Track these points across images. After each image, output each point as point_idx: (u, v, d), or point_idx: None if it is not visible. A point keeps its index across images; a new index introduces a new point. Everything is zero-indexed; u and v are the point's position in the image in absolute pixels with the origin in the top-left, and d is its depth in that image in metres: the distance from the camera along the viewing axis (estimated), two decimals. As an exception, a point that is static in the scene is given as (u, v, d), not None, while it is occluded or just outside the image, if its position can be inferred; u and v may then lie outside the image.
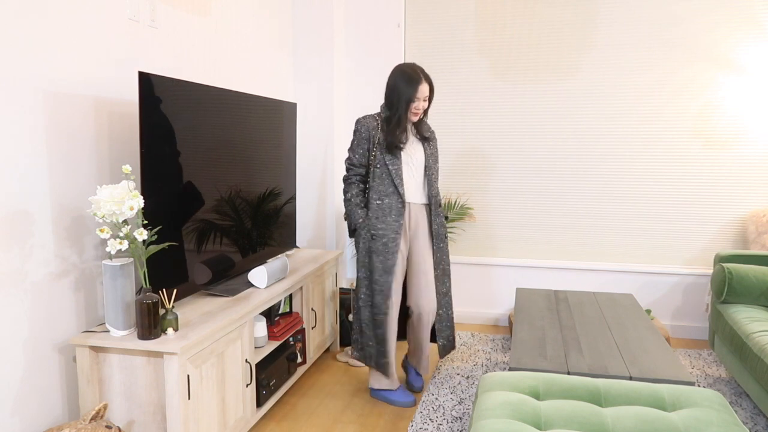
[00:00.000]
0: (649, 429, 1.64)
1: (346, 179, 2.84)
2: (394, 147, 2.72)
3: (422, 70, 2.70)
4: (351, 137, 2.71)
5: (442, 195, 4.09)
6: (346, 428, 2.62)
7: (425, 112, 2.79)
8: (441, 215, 2.89)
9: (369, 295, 2.80)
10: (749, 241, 3.57)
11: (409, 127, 2.81)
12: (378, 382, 2.88)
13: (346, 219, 2.86)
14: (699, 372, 3.21)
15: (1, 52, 1.77)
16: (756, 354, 2.50)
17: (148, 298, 1.96)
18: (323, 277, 3.27)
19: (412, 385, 2.99)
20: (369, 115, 2.81)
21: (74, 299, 2.09)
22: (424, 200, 2.85)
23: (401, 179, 2.74)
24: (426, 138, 2.84)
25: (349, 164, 2.81)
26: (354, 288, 3.00)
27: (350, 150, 2.82)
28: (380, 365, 2.82)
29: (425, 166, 2.82)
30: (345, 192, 2.84)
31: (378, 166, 2.75)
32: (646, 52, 3.69)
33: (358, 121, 2.78)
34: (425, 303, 2.82)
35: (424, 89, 2.67)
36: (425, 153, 2.82)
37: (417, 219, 2.84)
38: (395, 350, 2.85)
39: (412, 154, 2.79)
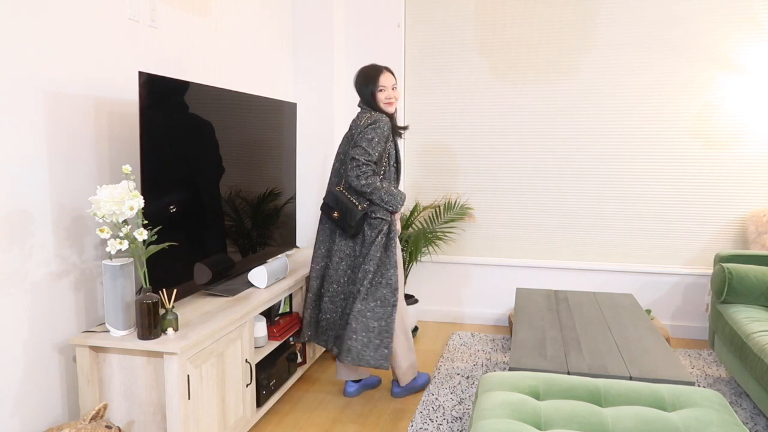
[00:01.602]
0: (649, 429, 1.64)
1: (364, 174, 2.60)
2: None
3: (381, 65, 2.77)
4: (368, 134, 2.64)
5: (443, 195, 4.10)
6: (346, 428, 2.62)
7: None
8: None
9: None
10: (749, 241, 3.57)
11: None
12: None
13: (387, 206, 2.67)
14: (699, 372, 3.21)
15: (1, 52, 1.77)
16: (756, 354, 2.50)
17: (148, 298, 1.96)
18: (323, 277, 3.27)
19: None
20: (379, 113, 2.70)
21: (74, 299, 2.09)
22: None
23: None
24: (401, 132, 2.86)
25: (367, 160, 2.59)
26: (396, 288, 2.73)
27: (369, 147, 2.60)
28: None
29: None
30: (370, 185, 2.60)
31: (392, 163, 2.76)
32: (646, 52, 3.69)
33: (380, 119, 2.65)
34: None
35: (387, 78, 2.71)
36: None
37: None
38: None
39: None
